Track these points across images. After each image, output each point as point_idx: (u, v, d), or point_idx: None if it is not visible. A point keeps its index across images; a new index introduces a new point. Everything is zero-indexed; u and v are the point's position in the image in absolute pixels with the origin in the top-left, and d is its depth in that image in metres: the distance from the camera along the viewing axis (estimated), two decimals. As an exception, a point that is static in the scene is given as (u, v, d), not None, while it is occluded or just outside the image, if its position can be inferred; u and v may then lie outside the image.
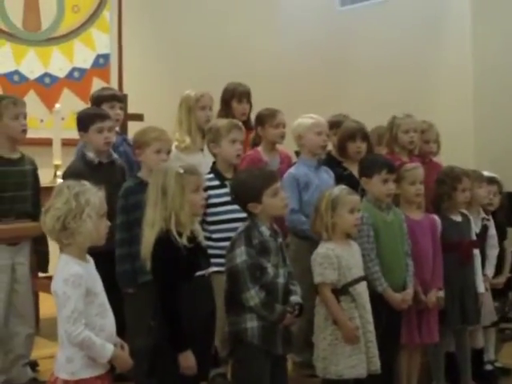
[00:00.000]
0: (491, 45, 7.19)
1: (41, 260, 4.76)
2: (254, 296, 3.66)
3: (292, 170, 4.83)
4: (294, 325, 3.92)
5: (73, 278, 3.07)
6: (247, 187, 3.86)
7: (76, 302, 3.04)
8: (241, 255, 3.68)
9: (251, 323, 3.70)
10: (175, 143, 4.95)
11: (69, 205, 3.09)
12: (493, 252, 5.14)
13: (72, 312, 3.03)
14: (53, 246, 4.52)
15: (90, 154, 4.67)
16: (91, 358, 3.11)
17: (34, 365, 4.91)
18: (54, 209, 3.09)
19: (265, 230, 3.79)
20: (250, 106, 5.66)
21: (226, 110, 5.56)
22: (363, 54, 8.41)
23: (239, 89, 5.62)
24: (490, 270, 5.09)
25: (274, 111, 5.33)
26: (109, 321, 3.22)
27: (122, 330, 3.40)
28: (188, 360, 3.45)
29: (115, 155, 4.87)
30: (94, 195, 3.16)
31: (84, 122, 4.73)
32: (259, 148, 5.31)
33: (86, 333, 3.05)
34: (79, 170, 4.51)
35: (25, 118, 4.69)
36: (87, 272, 3.16)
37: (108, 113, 4.95)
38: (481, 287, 4.83)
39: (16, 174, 4.62)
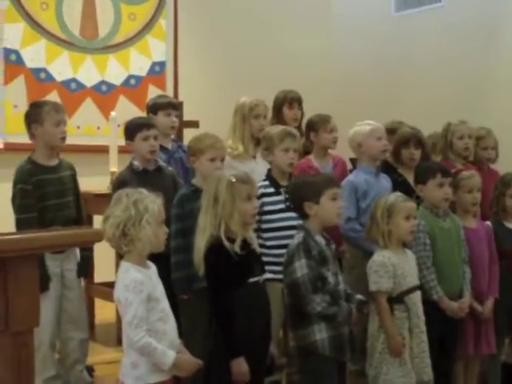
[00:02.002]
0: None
1: (83, 265, 4.76)
2: (319, 302, 3.67)
3: (351, 177, 4.81)
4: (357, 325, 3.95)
5: (133, 283, 3.11)
6: (308, 184, 3.88)
7: (137, 308, 3.08)
8: (301, 268, 3.67)
9: (320, 335, 3.70)
10: (228, 150, 4.96)
11: (128, 212, 3.13)
12: None
13: (133, 317, 3.08)
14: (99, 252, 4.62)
15: (136, 162, 4.71)
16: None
17: (90, 370, 4.95)
18: (113, 216, 3.14)
19: (320, 239, 3.79)
20: (302, 113, 5.66)
21: (278, 116, 5.56)
22: (418, 59, 8.34)
23: (290, 95, 5.62)
24: None
25: (326, 116, 5.33)
26: (170, 326, 3.26)
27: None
28: (241, 366, 3.46)
29: (162, 162, 4.90)
30: (153, 202, 3.20)
31: (130, 130, 4.76)
32: (311, 156, 5.30)
33: (147, 339, 3.09)
34: (126, 178, 4.56)
35: (65, 124, 4.67)
36: (148, 278, 3.20)
37: (153, 122, 4.98)
38: None
39: (55, 182, 4.60)
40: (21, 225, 4.43)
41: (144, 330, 3.09)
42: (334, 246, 3.89)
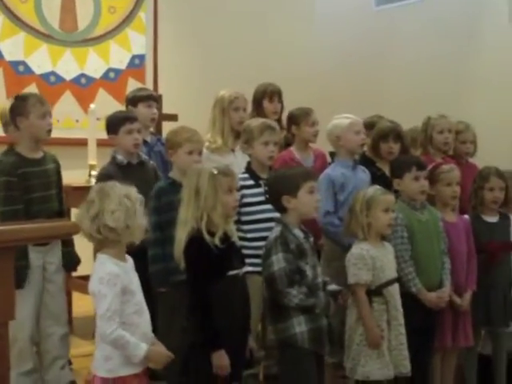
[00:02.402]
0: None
1: (68, 260, 4.76)
2: (296, 294, 3.67)
3: (328, 170, 4.80)
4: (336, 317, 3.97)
5: (108, 276, 3.10)
6: (286, 178, 3.89)
7: (111, 301, 3.08)
8: (278, 262, 3.67)
9: (300, 328, 3.71)
10: (206, 143, 4.96)
11: (124, 205, 3.13)
12: None
13: (107, 310, 3.07)
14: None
15: (119, 156, 4.71)
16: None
17: (67, 363, 4.94)
18: (108, 212, 3.11)
19: (298, 233, 3.79)
20: (282, 106, 5.66)
21: (258, 109, 5.56)
22: (399, 54, 8.37)
23: (270, 88, 5.62)
24: None
25: (308, 110, 5.35)
26: (144, 319, 3.25)
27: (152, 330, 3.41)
28: (221, 359, 3.46)
29: (145, 156, 4.90)
30: (136, 193, 3.22)
31: (113, 124, 4.76)
32: (292, 148, 5.30)
33: (120, 332, 3.08)
34: (110, 173, 4.56)
35: (50, 116, 4.65)
36: (124, 271, 3.19)
37: (136, 115, 4.97)
38: None
39: (40, 175, 4.58)
40: (6, 217, 4.38)
41: (117, 323, 3.08)
42: (312, 239, 3.89)
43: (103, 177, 4.53)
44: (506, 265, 4.73)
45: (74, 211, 5.31)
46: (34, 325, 4.57)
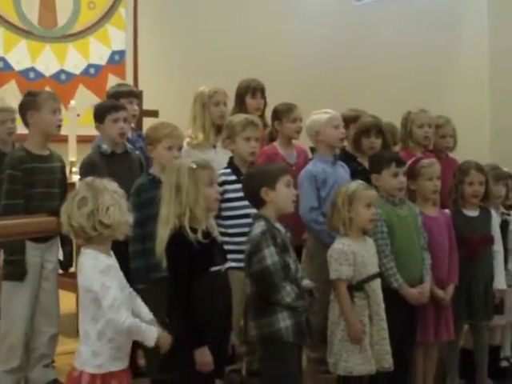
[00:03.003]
0: (509, 39, 7.12)
1: (65, 259, 4.79)
2: (290, 292, 3.69)
3: (309, 166, 4.80)
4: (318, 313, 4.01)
5: (108, 268, 3.12)
6: (264, 171, 3.91)
7: (116, 291, 3.08)
8: (271, 256, 3.67)
9: (284, 323, 3.72)
10: (187, 139, 4.95)
11: (115, 199, 3.14)
12: None
13: (114, 300, 3.07)
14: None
15: (104, 146, 4.71)
16: (118, 349, 3.16)
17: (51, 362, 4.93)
18: (103, 208, 3.10)
19: (280, 227, 3.80)
20: (265, 102, 5.65)
21: (241, 105, 5.54)
22: (379, 48, 8.36)
23: (253, 84, 5.60)
24: None
25: (291, 106, 5.31)
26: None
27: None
28: (204, 356, 3.46)
29: (130, 146, 4.90)
30: (118, 187, 3.22)
31: (100, 113, 4.77)
32: (275, 143, 5.30)
33: (132, 318, 3.11)
34: (94, 161, 4.59)
35: (60, 113, 4.70)
36: (116, 265, 3.22)
37: (123, 104, 4.98)
38: (501, 283, 4.79)
39: (45, 171, 4.61)
40: (6, 210, 4.43)
41: (127, 310, 3.10)
42: (289, 234, 3.89)
43: (87, 165, 4.57)
44: (487, 259, 4.75)
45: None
46: (28, 321, 4.58)
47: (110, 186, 3.18)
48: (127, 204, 3.22)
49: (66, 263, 4.84)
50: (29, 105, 4.60)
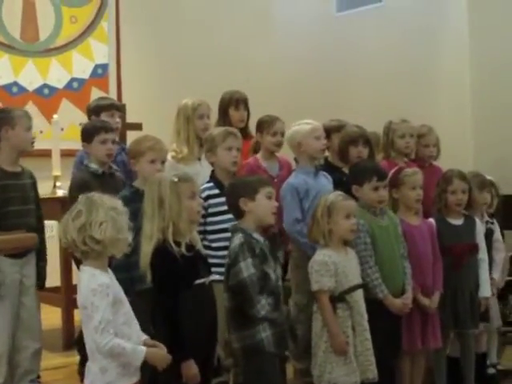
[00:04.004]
0: (489, 50, 7.17)
1: (40, 275, 4.75)
2: (264, 305, 3.70)
3: (290, 179, 4.80)
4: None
5: (100, 288, 3.10)
6: (245, 182, 3.94)
7: (103, 312, 3.06)
8: (247, 268, 3.68)
9: (265, 333, 3.72)
10: (172, 153, 4.94)
11: (109, 216, 3.12)
12: (499, 256, 5.09)
13: (100, 322, 3.05)
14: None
15: (93, 165, 4.71)
16: (126, 365, 3.14)
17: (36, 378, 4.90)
18: (95, 223, 3.09)
19: (259, 237, 3.81)
20: (248, 114, 5.65)
21: (224, 118, 5.55)
22: (360, 60, 8.40)
23: (236, 96, 5.61)
24: (497, 274, 5.04)
25: (273, 118, 5.29)
26: (134, 329, 3.25)
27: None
28: (191, 369, 3.46)
29: (115, 167, 4.90)
30: (122, 205, 3.22)
31: (89, 132, 4.78)
32: (258, 155, 5.29)
33: (115, 340, 3.07)
34: (86, 181, 4.57)
35: (31, 131, 4.71)
36: (112, 281, 3.21)
37: (113, 126, 4.98)
38: (486, 291, 4.79)
39: (19, 188, 4.60)
40: None
41: (111, 334, 3.07)
42: (267, 242, 3.88)
43: (81, 186, 4.49)
44: (472, 267, 4.76)
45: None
46: (10, 339, 4.55)
47: (110, 202, 3.18)
48: (126, 222, 3.19)
49: (41, 279, 4.78)
50: (3, 121, 4.58)
